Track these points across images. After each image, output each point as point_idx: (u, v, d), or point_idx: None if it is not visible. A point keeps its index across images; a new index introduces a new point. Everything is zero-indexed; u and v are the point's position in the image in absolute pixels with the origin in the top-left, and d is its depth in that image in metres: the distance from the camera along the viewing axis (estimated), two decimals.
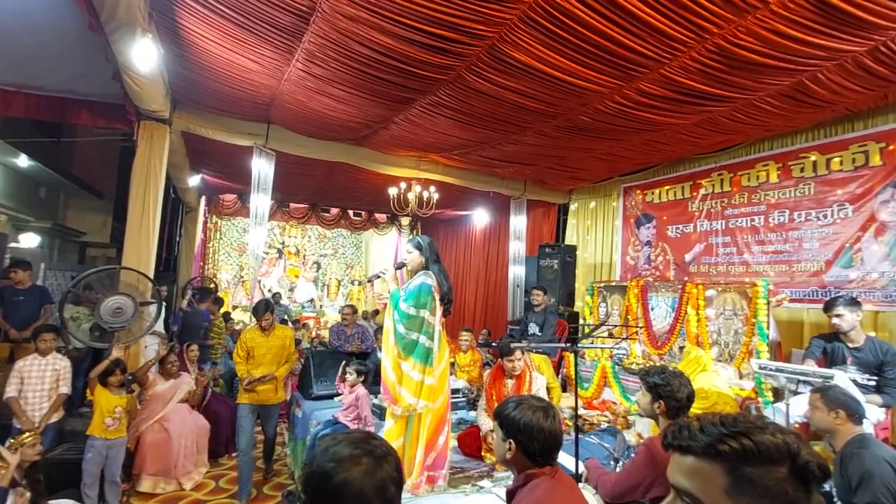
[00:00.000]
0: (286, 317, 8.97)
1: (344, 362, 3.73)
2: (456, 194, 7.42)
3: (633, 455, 2.59)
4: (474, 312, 9.40)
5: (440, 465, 2.65)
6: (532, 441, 1.48)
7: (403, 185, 6.70)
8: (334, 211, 10.30)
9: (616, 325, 5.24)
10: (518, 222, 7.62)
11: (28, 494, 2.51)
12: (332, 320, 9.30)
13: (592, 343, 4.85)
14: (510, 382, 3.29)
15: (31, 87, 4.52)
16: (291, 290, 10.59)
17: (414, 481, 2.54)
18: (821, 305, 3.58)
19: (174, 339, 5.72)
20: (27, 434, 2.81)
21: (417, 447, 2.60)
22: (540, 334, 5.34)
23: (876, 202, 4.25)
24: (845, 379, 2.85)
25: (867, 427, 2.43)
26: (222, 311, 7.45)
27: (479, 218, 9.08)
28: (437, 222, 10.54)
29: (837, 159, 4.56)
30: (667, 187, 6.22)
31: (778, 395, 3.49)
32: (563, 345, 4.69)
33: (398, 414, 2.60)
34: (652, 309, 4.96)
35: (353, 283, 11.57)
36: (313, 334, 8.82)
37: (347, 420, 3.44)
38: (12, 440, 2.75)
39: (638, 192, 6.62)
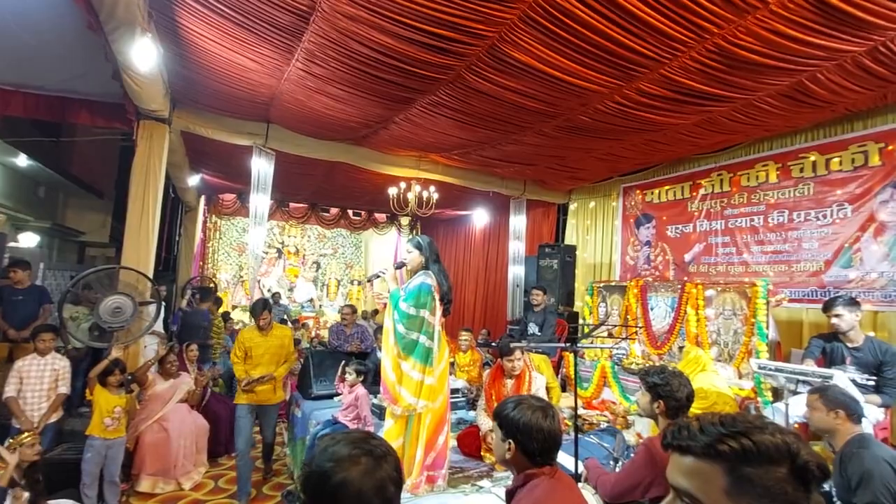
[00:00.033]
0: (286, 317, 8.96)
1: (343, 362, 3.72)
2: (456, 194, 7.42)
3: (632, 455, 2.59)
4: (474, 312, 9.40)
5: (440, 464, 2.65)
6: (531, 441, 1.48)
7: (403, 184, 6.70)
8: (334, 211, 10.30)
9: (615, 325, 5.24)
10: (518, 222, 7.62)
11: (26, 495, 2.51)
12: (331, 320, 9.30)
13: (592, 343, 4.85)
14: (510, 382, 3.29)
15: (31, 86, 4.51)
16: (291, 289, 10.58)
17: (414, 481, 2.54)
18: (820, 305, 3.58)
19: (173, 338, 5.71)
20: (26, 434, 2.82)
21: (417, 447, 2.60)
22: (539, 334, 5.34)
23: (875, 202, 4.26)
24: (844, 379, 2.85)
25: (866, 427, 2.43)
26: (221, 310, 7.44)
27: (479, 218, 9.08)
28: (436, 222, 10.54)
29: (837, 159, 4.56)
30: (666, 187, 6.22)
31: (777, 394, 3.49)
32: (562, 345, 4.70)
33: (398, 414, 2.60)
34: (651, 309, 4.97)
35: (352, 282, 11.57)
36: (313, 334, 8.82)
37: (347, 420, 3.44)
38: (11, 440, 2.75)
39: (637, 192, 6.62)
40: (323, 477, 0.96)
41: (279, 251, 10.72)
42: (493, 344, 6.03)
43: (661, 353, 4.71)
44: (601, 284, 5.72)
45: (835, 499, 2.07)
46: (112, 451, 3.42)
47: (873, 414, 2.91)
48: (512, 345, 3.28)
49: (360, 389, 3.52)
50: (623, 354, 4.92)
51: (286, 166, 5.89)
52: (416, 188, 6.62)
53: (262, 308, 3.94)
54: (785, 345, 4.51)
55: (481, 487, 2.71)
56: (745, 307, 4.15)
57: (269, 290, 9.95)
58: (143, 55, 3.15)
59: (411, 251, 2.76)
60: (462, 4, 2.73)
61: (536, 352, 4.59)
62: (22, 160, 6.53)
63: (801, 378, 2.86)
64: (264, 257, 9.93)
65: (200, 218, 8.70)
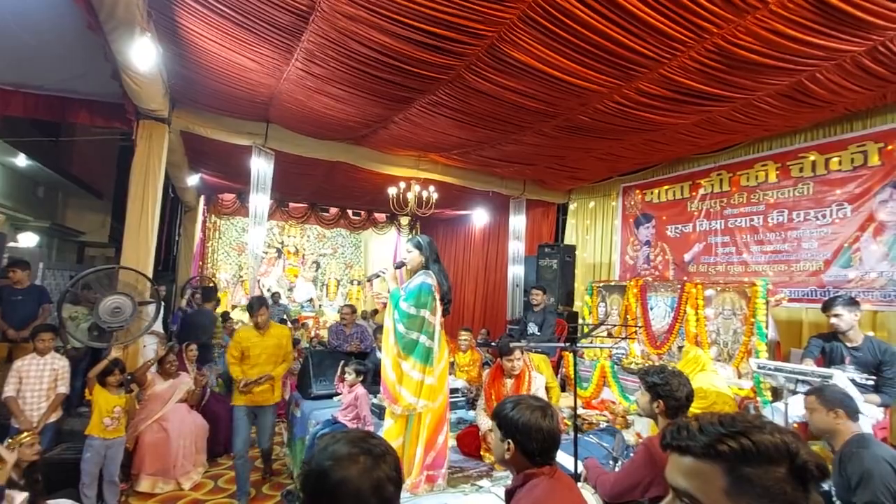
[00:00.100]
0: (285, 316, 8.95)
1: (343, 362, 3.71)
2: (455, 194, 7.42)
3: (631, 455, 2.59)
4: (473, 312, 9.40)
5: (439, 464, 2.66)
6: (530, 441, 1.48)
7: (403, 184, 6.70)
8: (333, 210, 10.30)
9: (615, 325, 5.25)
10: (517, 222, 7.62)
11: (25, 495, 2.51)
12: (331, 320, 9.28)
13: (591, 343, 4.85)
14: (509, 382, 3.29)
15: (30, 86, 4.51)
16: (290, 289, 10.57)
17: (413, 480, 2.55)
18: (819, 305, 3.58)
19: (173, 338, 5.71)
20: (25, 434, 2.81)
21: (417, 446, 2.60)
22: (539, 334, 5.34)
23: (874, 202, 4.26)
24: (844, 378, 2.85)
25: (866, 426, 2.43)
26: (220, 310, 7.44)
27: (479, 218, 9.08)
28: (436, 222, 10.54)
29: (836, 159, 4.57)
30: (666, 187, 6.22)
31: (777, 394, 3.49)
32: (562, 344, 4.71)
33: (398, 413, 2.60)
34: (651, 308, 4.97)
35: (352, 282, 11.56)
36: (312, 334, 8.81)
37: (346, 420, 3.44)
38: (10, 440, 2.75)
39: (637, 191, 6.62)
40: (322, 475, 0.96)
41: (279, 251, 10.72)
42: (493, 344, 6.02)
43: (661, 353, 4.71)
44: (601, 284, 5.72)
45: (834, 498, 2.07)
46: (111, 451, 3.42)
47: (873, 413, 2.91)
48: (511, 344, 3.29)
49: (360, 389, 3.52)
50: (622, 354, 4.92)
51: (286, 166, 5.89)
52: (416, 188, 6.62)
53: (259, 304, 3.82)
54: (784, 344, 4.51)
55: (481, 487, 2.71)
56: (744, 307, 4.16)
57: (268, 290, 9.94)
58: (143, 55, 3.15)
59: (411, 251, 2.76)
60: (461, 4, 2.73)
61: (536, 351, 4.59)
62: (21, 160, 6.53)
63: (800, 378, 2.86)
64: (264, 257, 9.91)
65: (200, 218, 8.69)
